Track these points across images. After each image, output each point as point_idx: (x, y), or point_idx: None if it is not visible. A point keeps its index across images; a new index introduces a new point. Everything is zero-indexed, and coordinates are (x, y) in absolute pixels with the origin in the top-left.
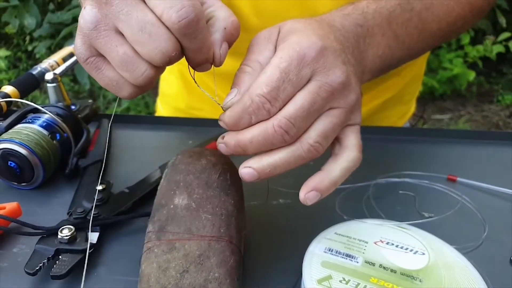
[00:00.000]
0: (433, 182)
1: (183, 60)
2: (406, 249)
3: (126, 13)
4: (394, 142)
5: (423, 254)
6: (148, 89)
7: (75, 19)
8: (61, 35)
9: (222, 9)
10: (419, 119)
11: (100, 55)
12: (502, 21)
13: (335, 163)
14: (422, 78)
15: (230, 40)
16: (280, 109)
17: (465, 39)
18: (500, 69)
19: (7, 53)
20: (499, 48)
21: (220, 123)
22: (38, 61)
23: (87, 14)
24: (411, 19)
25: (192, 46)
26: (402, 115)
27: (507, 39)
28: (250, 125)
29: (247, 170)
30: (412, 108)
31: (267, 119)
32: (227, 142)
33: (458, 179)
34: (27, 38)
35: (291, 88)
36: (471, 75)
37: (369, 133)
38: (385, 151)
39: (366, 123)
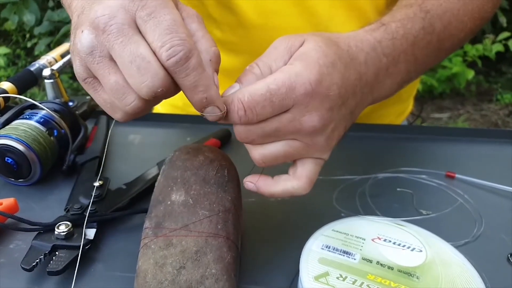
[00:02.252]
0: (431, 178)
1: None
2: (404, 246)
3: (120, 43)
4: (392, 140)
5: (420, 251)
6: (141, 115)
7: None
8: (61, 32)
9: (203, 39)
10: (417, 117)
11: (96, 77)
12: (503, 20)
13: (282, 181)
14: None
15: (216, 70)
16: (249, 121)
17: None
18: (499, 68)
19: (6, 50)
20: (498, 47)
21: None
22: (37, 58)
23: (84, 39)
24: (431, 41)
25: (185, 84)
26: (400, 113)
27: (506, 38)
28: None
29: None
30: (410, 106)
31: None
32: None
33: (457, 175)
34: (27, 35)
35: (270, 109)
36: (470, 74)
37: (367, 131)
38: (383, 149)
39: (363, 122)
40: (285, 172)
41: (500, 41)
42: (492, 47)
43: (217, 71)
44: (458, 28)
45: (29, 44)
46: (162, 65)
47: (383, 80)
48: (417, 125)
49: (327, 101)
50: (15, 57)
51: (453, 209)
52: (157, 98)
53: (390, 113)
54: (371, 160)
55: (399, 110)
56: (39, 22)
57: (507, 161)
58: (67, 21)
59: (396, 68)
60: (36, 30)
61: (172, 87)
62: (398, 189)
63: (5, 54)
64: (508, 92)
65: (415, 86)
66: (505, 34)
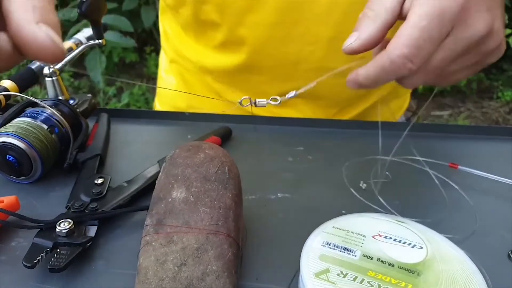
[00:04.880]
0: (433, 171)
1: (183, 61)
2: (404, 243)
3: None
4: (393, 136)
5: (421, 248)
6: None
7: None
8: (70, 33)
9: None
10: (412, 114)
11: None
12: (505, 16)
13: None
14: None
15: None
16: (419, 66)
17: None
18: (500, 66)
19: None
20: None
21: (350, 83)
22: None
23: None
24: None
25: None
26: (398, 108)
27: (507, 36)
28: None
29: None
30: (407, 101)
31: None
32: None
33: (459, 169)
34: None
35: (430, 46)
36: None
37: (367, 128)
38: (384, 146)
39: (361, 119)
40: (285, 179)
41: None
42: None
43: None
44: None
45: None
46: None
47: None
48: (419, 122)
49: (481, 3)
50: None
51: (454, 205)
52: None
53: (388, 109)
54: (372, 157)
55: (397, 106)
56: None
57: (508, 158)
58: (73, 21)
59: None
60: None
61: None
62: (399, 186)
63: None
64: (509, 89)
65: None
66: (507, 31)
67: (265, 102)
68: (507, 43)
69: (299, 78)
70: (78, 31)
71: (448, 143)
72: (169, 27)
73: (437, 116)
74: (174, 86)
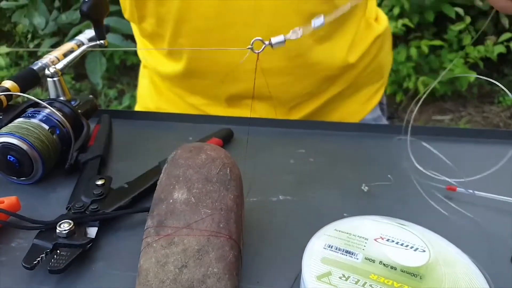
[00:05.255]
0: (435, 183)
1: (154, 68)
2: (407, 246)
3: None
4: (393, 142)
5: (424, 251)
6: None
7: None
8: (70, 34)
9: None
10: (391, 115)
11: None
12: (505, 21)
13: None
14: (386, 62)
15: None
16: None
17: (466, 40)
18: (501, 70)
19: (7, 50)
20: (500, 49)
21: None
22: (39, 58)
23: None
24: None
25: None
26: (366, 100)
27: (508, 40)
28: None
29: None
30: (379, 92)
31: None
32: None
33: (458, 186)
34: (29, 36)
35: None
36: (472, 75)
37: (369, 131)
38: (384, 151)
39: (320, 116)
40: (286, 181)
41: (502, 43)
42: (494, 48)
43: None
44: None
45: (31, 46)
46: None
47: None
48: (420, 126)
49: None
50: (18, 58)
51: (456, 210)
52: None
53: (351, 104)
54: (373, 161)
55: (364, 98)
56: (46, 24)
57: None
58: (75, 23)
59: None
60: (42, 31)
61: None
62: (401, 189)
63: (7, 54)
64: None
65: (382, 72)
66: (507, 35)
67: (283, 38)
68: (508, 47)
69: (245, 80)
70: (79, 31)
71: (448, 147)
72: (136, 36)
73: (438, 121)
74: (146, 88)
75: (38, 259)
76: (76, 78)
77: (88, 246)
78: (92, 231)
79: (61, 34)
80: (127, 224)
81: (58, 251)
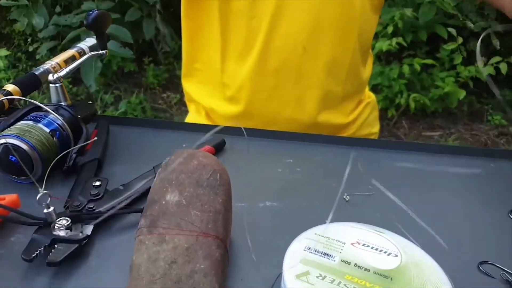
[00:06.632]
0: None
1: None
2: (381, 250)
3: None
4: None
5: (396, 256)
6: None
7: (82, 23)
8: (68, 37)
9: None
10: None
11: None
12: (496, 43)
13: None
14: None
15: None
16: None
17: (458, 59)
18: (490, 90)
19: (7, 52)
20: (489, 70)
21: None
22: (38, 62)
23: None
24: None
25: None
26: (349, 112)
27: (498, 62)
28: None
29: None
30: (363, 99)
31: None
32: None
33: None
34: (29, 39)
35: None
36: (462, 94)
37: (352, 145)
38: (368, 161)
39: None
40: (273, 188)
41: (492, 64)
42: (483, 69)
43: None
44: None
45: (30, 48)
46: None
47: None
48: (406, 141)
49: None
50: (16, 60)
51: (430, 219)
52: None
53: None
54: (356, 172)
55: (346, 110)
56: (45, 26)
57: (482, 177)
58: (75, 26)
59: None
60: (41, 34)
61: None
62: (380, 200)
63: (6, 56)
64: (498, 113)
65: (360, 86)
66: (497, 58)
67: None
68: (497, 69)
69: None
70: (78, 35)
71: (425, 162)
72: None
73: (428, 137)
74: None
75: (37, 252)
76: (73, 82)
77: (84, 242)
78: (87, 229)
79: (59, 38)
80: (121, 223)
81: (55, 246)
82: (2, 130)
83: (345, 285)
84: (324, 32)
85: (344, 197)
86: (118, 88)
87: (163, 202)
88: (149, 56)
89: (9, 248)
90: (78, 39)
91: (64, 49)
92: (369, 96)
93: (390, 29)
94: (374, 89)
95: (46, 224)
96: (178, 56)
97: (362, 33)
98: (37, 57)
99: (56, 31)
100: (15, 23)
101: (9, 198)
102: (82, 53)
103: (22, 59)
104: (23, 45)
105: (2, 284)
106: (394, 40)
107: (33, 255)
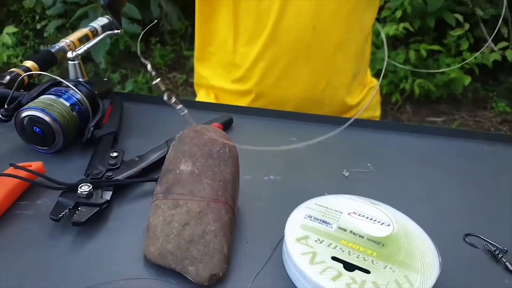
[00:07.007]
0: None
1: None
2: (375, 220)
3: None
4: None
5: (389, 225)
6: None
7: (90, 1)
8: (76, 14)
9: None
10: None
11: None
12: (504, 31)
13: None
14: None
15: None
16: None
17: (464, 45)
18: (497, 77)
19: (15, 30)
20: (496, 56)
21: None
22: (45, 39)
23: None
24: None
25: None
26: (356, 94)
27: (504, 48)
28: None
29: None
30: (367, 83)
31: None
32: None
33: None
34: (37, 17)
35: None
36: (467, 79)
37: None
38: (366, 143)
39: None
40: (278, 163)
41: (498, 51)
42: (490, 56)
43: None
44: None
45: (38, 26)
46: None
47: None
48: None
49: None
50: (24, 37)
51: (422, 193)
52: None
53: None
54: (356, 150)
55: (355, 88)
56: (53, 4)
57: (476, 158)
58: (82, 4)
59: None
60: (49, 12)
61: None
62: (377, 176)
63: (13, 34)
64: (503, 100)
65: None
66: (504, 43)
67: None
68: (503, 56)
69: None
70: (85, 13)
71: (420, 141)
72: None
73: (431, 122)
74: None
75: (63, 213)
76: (83, 60)
77: (104, 206)
78: (107, 195)
79: (67, 16)
80: (137, 191)
81: (79, 208)
82: (26, 103)
83: (340, 248)
84: (333, 11)
85: (344, 173)
86: (125, 68)
87: (177, 172)
88: (156, 36)
89: (37, 210)
90: (85, 16)
91: (72, 27)
92: (372, 81)
93: (398, 13)
94: (378, 74)
95: (70, 189)
96: (184, 37)
97: (367, 11)
98: (45, 34)
99: (63, 9)
100: (23, 0)
101: (35, 165)
102: (94, 32)
103: (30, 36)
104: (30, 23)
105: (32, 240)
106: (402, 25)
107: (60, 215)
